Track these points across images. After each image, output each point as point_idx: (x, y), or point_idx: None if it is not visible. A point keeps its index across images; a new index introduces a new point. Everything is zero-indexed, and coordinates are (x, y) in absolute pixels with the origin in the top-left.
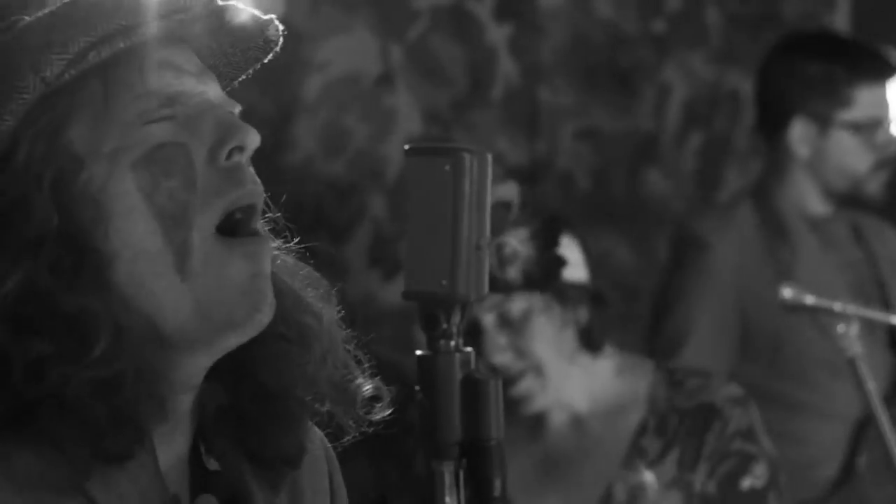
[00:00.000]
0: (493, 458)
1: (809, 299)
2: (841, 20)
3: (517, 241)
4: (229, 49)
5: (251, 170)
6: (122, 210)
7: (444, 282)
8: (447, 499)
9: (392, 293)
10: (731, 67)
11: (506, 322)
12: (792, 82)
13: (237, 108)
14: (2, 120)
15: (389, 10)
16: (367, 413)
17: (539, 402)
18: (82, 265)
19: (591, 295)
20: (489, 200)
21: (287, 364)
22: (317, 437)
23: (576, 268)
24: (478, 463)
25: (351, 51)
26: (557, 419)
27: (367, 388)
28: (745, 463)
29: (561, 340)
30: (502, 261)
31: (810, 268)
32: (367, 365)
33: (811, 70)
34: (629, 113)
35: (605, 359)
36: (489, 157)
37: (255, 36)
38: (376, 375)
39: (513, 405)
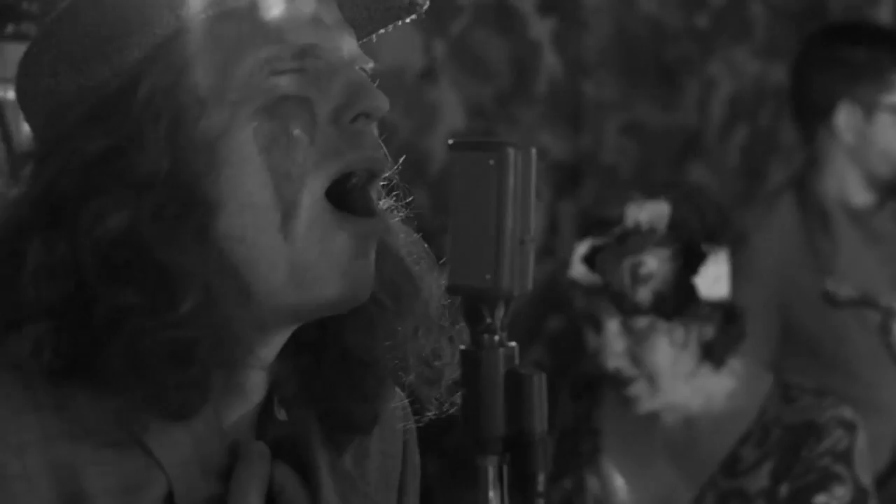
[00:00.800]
0: (536, 453)
1: (851, 293)
2: (885, 14)
3: (656, 262)
4: (373, 3)
5: (375, 136)
6: (235, 160)
7: (488, 276)
8: (490, 493)
9: None
10: (776, 62)
11: (628, 330)
12: (836, 69)
13: (370, 65)
14: (129, 51)
15: (433, 5)
16: (451, 395)
17: (649, 405)
18: (186, 214)
19: (726, 311)
20: (534, 195)
21: (377, 332)
22: (398, 401)
23: (717, 283)
24: (521, 458)
25: (394, 45)
26: (670, 418)
27: (456, 369)
28: (827, 481)
29: (680, 359)
30: (636, 279)
31: (852, 261)
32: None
33: (857, 56)
34: (673, 108)
35: (725, 371)
36: (533, 152)
37: None
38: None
39: (624, 402)
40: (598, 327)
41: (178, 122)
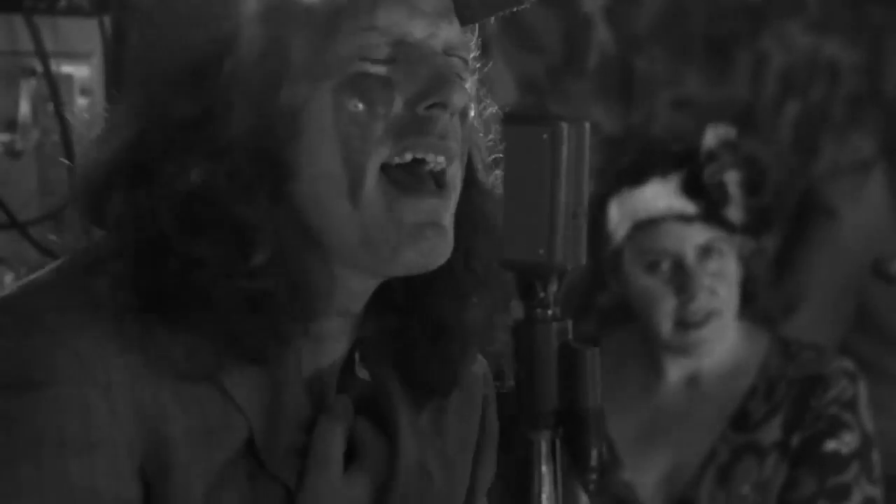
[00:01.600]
0: (590, 427)
1: None
2: None
3: (734, 181)
4: None
5: (448, 125)
6: (313, 129)
7: (541, 251)
8: (543, 468)
9: None
10: (828, 36)
11: (707, 254)
12: None
13: (470, 55)
14: (227, 20)
15: None
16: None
17: (718, 350)
18: (264, 177)
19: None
20: (587, 169)
21: (465, 298)
22: (480, 368)
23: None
24: (574, 432)
25: None
26: (672, 376)
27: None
28: (835, 428)
29: (735, 287)
30: (724, 199)
31: None
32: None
33: None
34: (725, 82)
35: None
36: (587, 126)
37: None
38: None
39: (688, 348)
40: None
41: (265, 91)
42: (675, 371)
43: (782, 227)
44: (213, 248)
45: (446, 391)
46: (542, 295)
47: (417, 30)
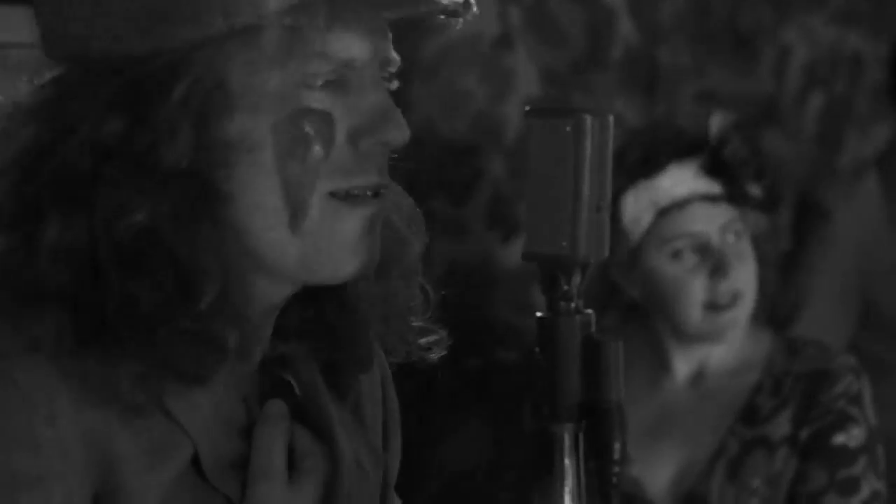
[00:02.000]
0: (613, 421)
1: None
2: None
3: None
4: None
5: (385, 159)
6: (250, 162)
7: (564, 243)
8: (566, 461)
9: (511, 254)
10: (852, 28)
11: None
12: None
13: (395, 67)
14: (178, 35)
15: None
16: (424, 351)
17: (739, 329)
18: (201, 208)
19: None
20: (610, 162)
21: (366, 283)
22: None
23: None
24: (597, 425)
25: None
26: (678, 373)
27: (422, 328)
28: (843, 422)
29: (753, 268)
30: (748, 175)
31: None
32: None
33: None
34: (749, 75)
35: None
36: (611, 119)
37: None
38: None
39: (717, 333)
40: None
41: (207, 119)
42: (682, 367)
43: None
44: (156, 289)
45: (368, 365)
46: (565, 288)
47: (363, 53)
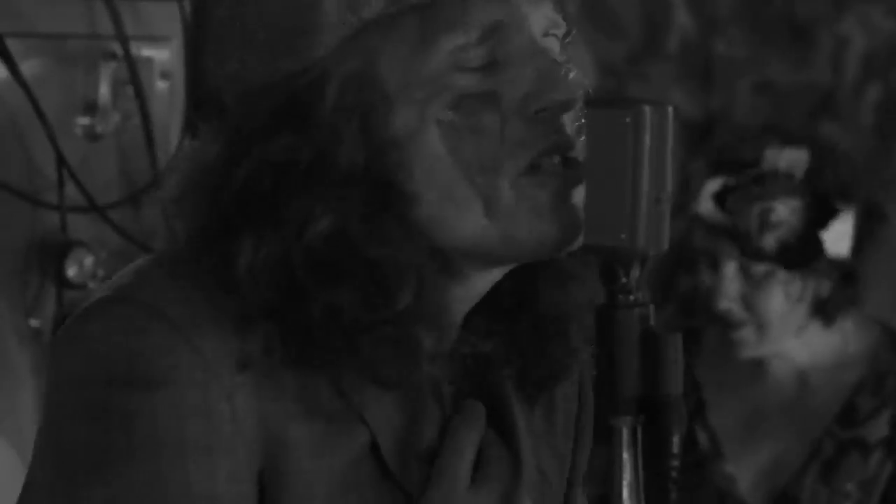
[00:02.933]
0: (671, 414)
1: None
2: None
3: (787, 210)
4: None
5: (569, 114)
6: (426, 157)
7: (623, 235)
8: (624, 454)
9: None
10: None
11: (745, 274)
12: None
13: (562, 29)
14: (317, 46)
15: None
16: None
17: (755, 351)
18: (387, 207)
19: (844, 270)
20: (670, 153)
21: (571, 288)
22: None
23: (840, 241)
24: (656, 418)
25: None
26: (778, 368)
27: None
28: None
29: (793, 311)
30: (764, 225)
31: None
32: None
33: None
34: (806, 65)
35: (834, 327)
36: (670, 110)
37: None
38: None
39: (729, 347)
40: (714, 266)
41: (368, 119)
42: (777, 364)
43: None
44: (355, 296)
45: (560, 380)
46: (623, 280)
47: (510, 17)
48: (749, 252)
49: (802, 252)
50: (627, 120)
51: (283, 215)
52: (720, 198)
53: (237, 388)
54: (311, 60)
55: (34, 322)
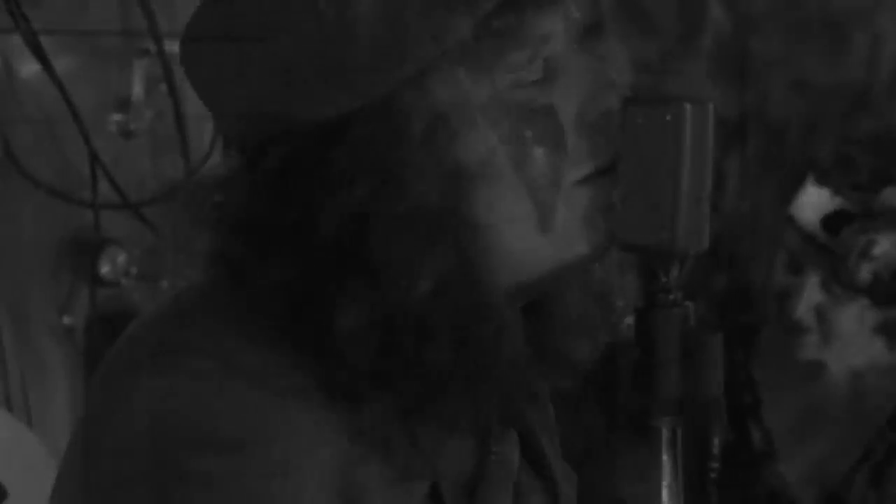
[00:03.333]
0: (712, 416)
1: None
2: None
3: (888, 244)
4: None
5: (611, 125)
6: (492, 180)
7: (663, 235)
8: (664, 456)
9: None
10: None
11: (829, 290)
12: None
13: (601, 30)
14: (383, 80)
15: None
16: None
17: (814, 356)
18: (471, 249)
19: None
20: (710, 152)
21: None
22: None
23: None
24: (696, 420)
25: None
26: (834, 369)
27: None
28: None
29: (860, 333)
30: (864, 255)
31: None
32: None
33: None
34: (841, 63)
35: None
36: (711, 108)
37: None
38: None
39: (788, 347)
40: (796, 270)
41: (437, 151)
42: (838, 364)
43: None
44: (447, 350)
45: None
46: (663, 280)
47: (555, 22)
48: (843, 278)
49: (892, 287)
50: (668, 118)
51: (379, 274)
52: (829, 221)
53: (321, 441)
54: (374, 95)
55: (67, 319)
